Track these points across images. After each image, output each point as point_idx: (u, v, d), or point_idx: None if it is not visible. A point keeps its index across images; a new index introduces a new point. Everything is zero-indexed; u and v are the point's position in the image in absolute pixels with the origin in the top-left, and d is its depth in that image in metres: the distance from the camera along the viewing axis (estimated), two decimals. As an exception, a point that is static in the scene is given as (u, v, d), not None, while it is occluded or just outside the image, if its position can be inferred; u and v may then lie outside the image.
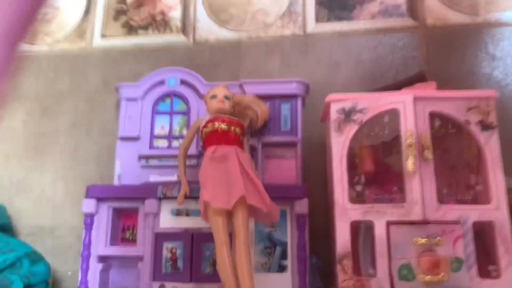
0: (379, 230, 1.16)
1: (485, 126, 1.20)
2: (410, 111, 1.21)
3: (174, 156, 1.51)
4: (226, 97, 1.36)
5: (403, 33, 1.69)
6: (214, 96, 1.35)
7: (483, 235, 1.17)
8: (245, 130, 1.36)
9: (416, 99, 1.22)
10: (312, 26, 1.76)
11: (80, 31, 1.93)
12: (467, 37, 1.64)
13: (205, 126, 1.30)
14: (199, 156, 1.55)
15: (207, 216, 1.17)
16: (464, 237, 1.12)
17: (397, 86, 1.38)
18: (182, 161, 1.35)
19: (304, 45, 1.74)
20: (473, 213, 1.14)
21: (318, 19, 1.77)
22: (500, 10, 1.65)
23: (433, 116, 1.23)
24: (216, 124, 1.28)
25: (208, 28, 1.83)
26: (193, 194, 1.29)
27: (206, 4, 1.87)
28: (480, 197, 1.21)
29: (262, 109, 1.45)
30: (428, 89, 1.28)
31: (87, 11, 1.96)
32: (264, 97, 1.53)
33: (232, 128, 1.29)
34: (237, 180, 1.15)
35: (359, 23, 1.73)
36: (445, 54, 1.64)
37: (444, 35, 1.66)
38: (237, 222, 1.15)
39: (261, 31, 1.79)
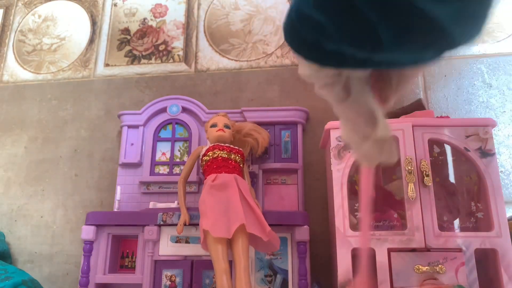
0: (380, 258, 1.15)
1: (484, 153, 1.20)
2: (409, 138, 1.22)
3: (175, 182, 1.52)
4: (226, 126, 1.37)
5: (401, 62, 1.72)
6: (214, 125, 1.37)
7: (485, 262, 1.16)
8: (245, 158, 1.37)
9: (414, 127, 1.24)
10: (311, 55, 1.79)
11: (84, 60, 1.97)
12: (464, 66, 1.67)
13: (205, 155, 1.31)
14: (200, 182, 1.55)
15: (206, 244, 1.16)
16: (466, 264, 1.11)
17: (396, 114, 1.40)
18: (181, 189, 1.34)
19: (303, 74, 1.77)
20: (474, 241, 1.13)
21: (317, 49, 1.81)
22: (495, 40, 1.69)
23: (432, 143, 1.25)
24: (216, 152, 1.29)
25: (209, 58, 1.87)
26: (193, 221, 1.29)
27: (208, 35, 1.92)
28: (481, 224, 1.20)
29: (263, 137, 1.46)
30: (426, 117, 1.29)
31: (91, 41, 2.00)
32: (264, 124, 1.55)
33: (232, 156, 1.30)
34: (237, 209, 1.14)
35: (357, 53, 1.77)
36: (442, 83, 1.67)
37: (440, 64, 1.69)
38: (237, 250, 1.14)
39: (261, 61, 1.83)
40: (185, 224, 1.28)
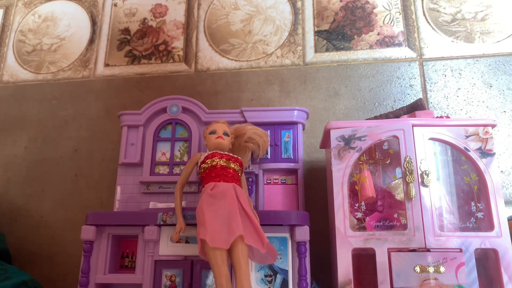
0: (380, 258, 1.15)
1: (484, 153, 1.21)
2: (409, 138, 1.23)
3: (175, 182, 1.51)
4: (225, 133, 1.35)
5: (400, 62, 1.73)
6: (213, 132, 1.35)
7: (485, 262, 1.16)
8: (243, 167, 1.36)
9: (414, 127, 1.24)
10: (311, 55, 1.80)
11: (84, 60, 1.97)
12: (464, 66, 1.67)
13: (203, 162, 1.28)
14: (200, 182, 1.55)
15: (204, 252, 1.15)
16: (466, 264, 1.11)
17: (396, 114, 1.40)
18: (178, 196, 1.31)
19: (303, 74, 1.77)
20: (474, 241, 1.13)
21: (317, 49, 1.81)
22: (495, 40, 1.69)
23: (432, 143, 1.25)
24: (215, 160, 1.27)
25: (209, 58, 1.87)
26: (193, 221, 1.28)
27: (208, 35, 1.92)
28: (481, 224, 1.20)
29: (263, 139, 1.46)
30: (426, 117, 1.30)
31: (91, 41, 2.00)
32: (264, 124, 1.55)
33: (231, 164, 1.28)
34: (235, 219, 1.13)
35: (357, 53, 1.77)
36: (442, 83, 1.67)
37: (440, 64, 1.70)
38: (236, 256, 1.12)
39: (261, 61, 1.83)
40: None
